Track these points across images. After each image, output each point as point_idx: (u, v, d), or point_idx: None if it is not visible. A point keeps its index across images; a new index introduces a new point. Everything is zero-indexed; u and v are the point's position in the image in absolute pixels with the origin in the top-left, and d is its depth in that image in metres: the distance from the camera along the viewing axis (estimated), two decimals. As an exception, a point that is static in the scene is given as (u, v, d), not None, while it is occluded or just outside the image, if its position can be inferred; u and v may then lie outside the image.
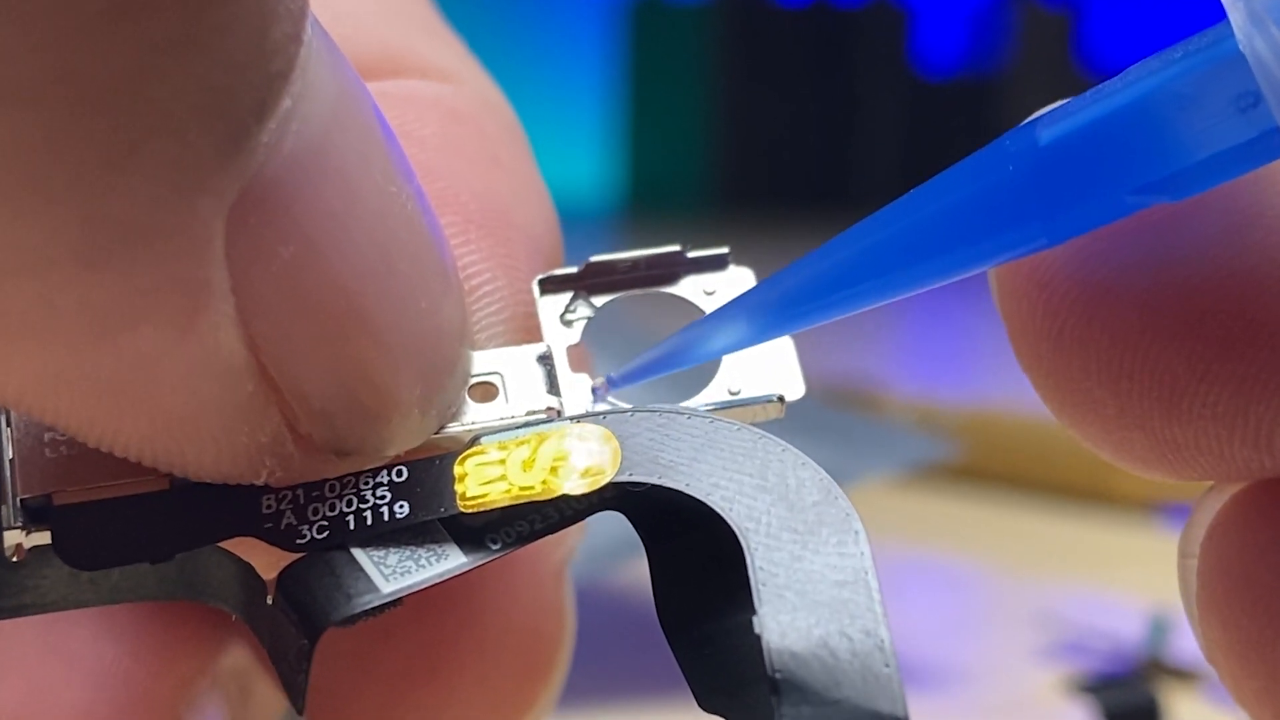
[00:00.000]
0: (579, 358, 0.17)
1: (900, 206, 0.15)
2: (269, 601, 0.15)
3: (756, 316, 0.16)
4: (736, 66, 2.32)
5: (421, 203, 0.15)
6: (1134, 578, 0.50)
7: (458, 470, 0.15)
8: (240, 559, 0.16)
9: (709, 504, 0.15)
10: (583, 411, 0.16)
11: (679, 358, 0.16)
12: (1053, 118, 0.14)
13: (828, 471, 0.15)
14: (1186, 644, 0.38)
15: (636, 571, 0.31)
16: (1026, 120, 0.14)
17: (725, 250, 0.17)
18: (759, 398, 0.16)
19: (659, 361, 0.16)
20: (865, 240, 0.15)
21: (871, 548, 0.14)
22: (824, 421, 0.48)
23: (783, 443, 0.15)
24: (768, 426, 0.16)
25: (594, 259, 0.17)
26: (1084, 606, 0.47)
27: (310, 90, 0.13)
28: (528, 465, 0.15)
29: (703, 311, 0.17)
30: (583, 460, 0.15)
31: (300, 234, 0.14)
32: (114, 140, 0.12)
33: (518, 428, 0.16)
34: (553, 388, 0.16)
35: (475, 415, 0.16)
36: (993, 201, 0.14)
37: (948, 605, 0.51)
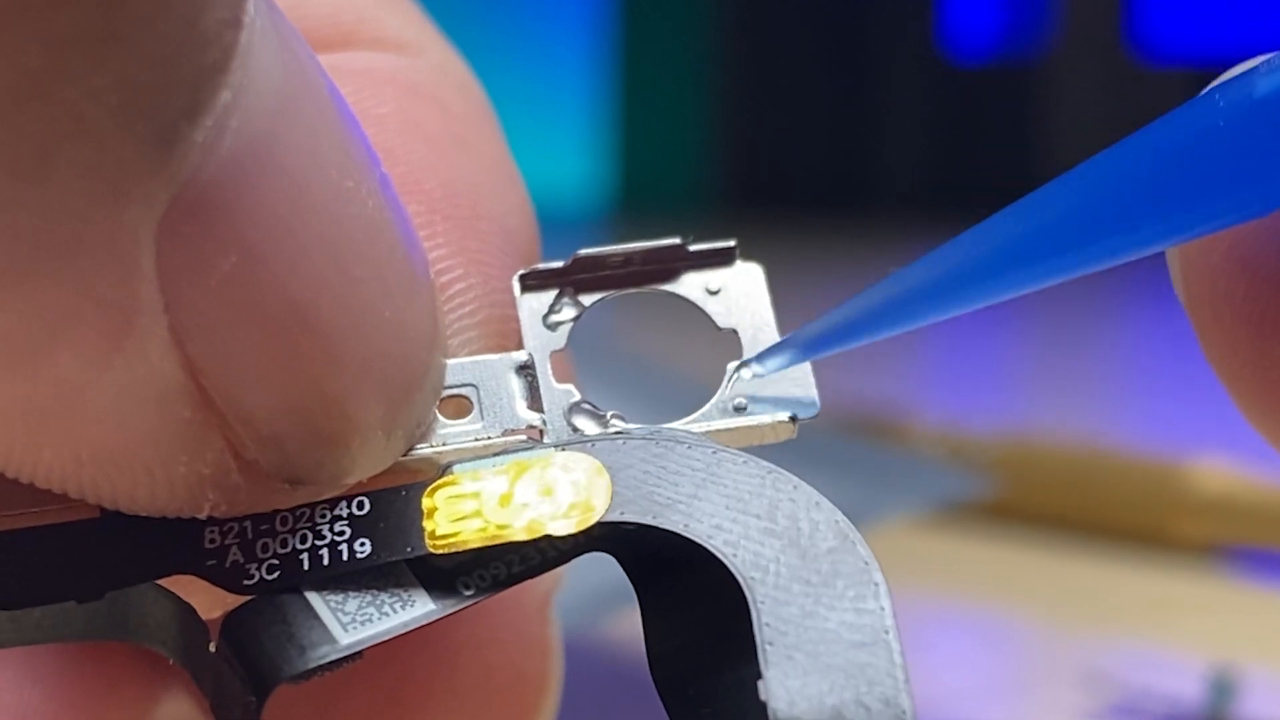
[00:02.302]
0: (564, 366, 0.17)
1: (1078, 173, 0.14)
2: (211, 648, 0.15)
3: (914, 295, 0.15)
4: (740, 51, 2.33)
5: (386, 195, 0.15)
6: (1193, 631, 0.50)
7: (426, 504, 0.15)
8: (179, 598, 0.16)
9: (710, 548, 0.15)
10: (568, 434, 0.16)
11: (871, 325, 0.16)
12: (1273, 64, 0.13)
13: (847, 510, 0.15)
14: (1253, 705, 0.38)
15: (627, 623, 0.31)
16: (1236, 72, 0.14)
17: (732, 243, 0.17)
18: (769, 417, 0.16)
19: (845, 329, 0.16)
20: (1036, 216, 0.14)
21: (895, 599, 0.14)
22: (842, 454, 0.48)
23: (795, 479, 0.15)
24: (778, 450, 0.16)
25: (582, 252, 0.17)
26: (1137, 663, 0.47)
27: (252, 79, 0.13)
28: (506, 500, 0.15)
29: (705, 313, 0.17)
30: (568, 495, 0.15)
31: (242, 243, 0.13)
32: (19, 149, 0.12)
33: (495, 455, 0.16)
34: (534, 403, 0.16)
35: (447, 433, 0.16)
36: (1194, 163, 0.14)
37: (982, 661, 0.51)
